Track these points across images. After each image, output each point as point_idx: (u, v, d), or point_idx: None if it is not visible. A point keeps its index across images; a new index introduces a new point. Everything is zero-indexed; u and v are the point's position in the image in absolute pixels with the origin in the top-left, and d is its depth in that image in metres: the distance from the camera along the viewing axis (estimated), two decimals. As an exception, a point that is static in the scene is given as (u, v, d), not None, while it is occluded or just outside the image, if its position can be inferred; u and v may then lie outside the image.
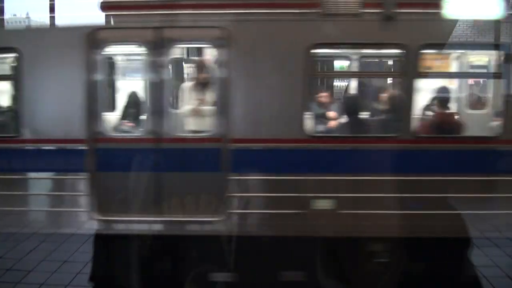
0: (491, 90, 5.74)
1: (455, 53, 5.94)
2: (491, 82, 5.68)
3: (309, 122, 4.64)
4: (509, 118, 4.54)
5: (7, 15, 5.39)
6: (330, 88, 7.78)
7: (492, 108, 5.59)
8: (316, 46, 4.59)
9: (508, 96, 4.56)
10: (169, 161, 4.62)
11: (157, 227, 4.71)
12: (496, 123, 4.75)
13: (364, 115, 5.51)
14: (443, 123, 5.16)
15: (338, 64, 7.42)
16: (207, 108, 5.08)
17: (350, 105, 5.38)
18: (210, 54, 4.75)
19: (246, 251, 4.57)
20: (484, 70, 6.02)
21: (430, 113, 5.55)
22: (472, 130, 5.03)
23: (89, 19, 4.74)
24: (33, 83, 4.66)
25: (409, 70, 4.52)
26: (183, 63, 7.16)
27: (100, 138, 4.66)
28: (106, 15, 4.77)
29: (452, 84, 6.05)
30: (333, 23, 4.52)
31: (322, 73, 6.57)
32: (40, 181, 4.91)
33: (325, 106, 5.87)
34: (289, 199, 4.61)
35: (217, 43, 4.62)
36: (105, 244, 4.85)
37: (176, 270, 4.96)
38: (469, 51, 5.79)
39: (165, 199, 4.63)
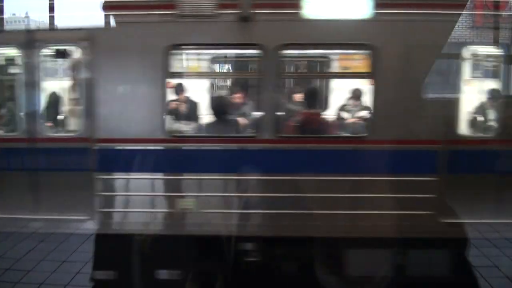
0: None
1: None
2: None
3: (170, 122, 4.78)
4: (377, 119, 4.58)
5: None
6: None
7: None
8: (175, 47, 4.67)
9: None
10: (42, 160, 4.74)
11: (35, 225, 4.96)
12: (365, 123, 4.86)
13: (230, 115, 5.57)
14: (308, 123, 5.17)
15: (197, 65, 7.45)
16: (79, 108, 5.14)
17: (214, 105, 5.44)
18: (78, 55, 4.89)
19: (118, 249, 4.66)
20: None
21: (299, 112, 5.59)
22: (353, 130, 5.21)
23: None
24: None
25: (268, 71, 4.54)
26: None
27: None
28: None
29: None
30: (190, 25, 4.58)
31: (181, 74, 6.46)
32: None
33: (185, 106, 6.04)
34: (155, 198, 4.75)
35: (82, 45, 4.71)
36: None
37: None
38: (334, 51, 5.86)
39: (39, 198, 4.74)
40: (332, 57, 6.56)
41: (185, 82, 6.22)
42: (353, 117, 6.03)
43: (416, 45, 4.44)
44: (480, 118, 5.34)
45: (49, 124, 5.33)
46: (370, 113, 4.69)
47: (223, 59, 7.43)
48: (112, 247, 4.67)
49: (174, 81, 5.72)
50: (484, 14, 5.52)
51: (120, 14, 4.67)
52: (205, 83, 7.02)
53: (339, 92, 6.49)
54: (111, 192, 4.72)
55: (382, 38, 4.47)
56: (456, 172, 4.48)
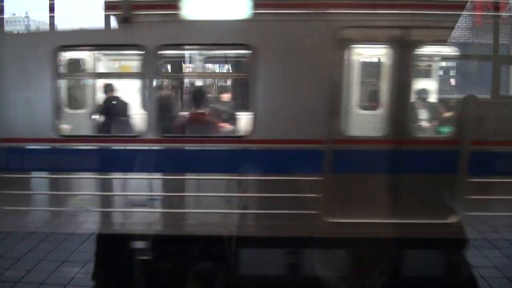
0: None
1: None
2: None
3: (61, 122, 4.87)
4: (259, 118, 4.58)
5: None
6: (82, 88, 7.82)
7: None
8: (63, 48, 4.72)
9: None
10: None
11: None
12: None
13: (118, 115, 5.77)
14: (192, 123, 5.28)
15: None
16: None
17: (102, 106, 5.61)
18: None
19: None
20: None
21: (184, 112, 5.75)
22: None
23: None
24: None
25: (149, 71, 4.65)
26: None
27: None
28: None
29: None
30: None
31: (69, 75, 6.47)
32: None
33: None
34: (50, 197, 4.91)
35: None
36: None
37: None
38: (217, 51, 5.98)
39: None
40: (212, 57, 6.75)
41: (114, 82, 6.36)
42: (230, 117, 6.07)
43: (295, 45, 4.51)
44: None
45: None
46: (250, 112, 4.68)
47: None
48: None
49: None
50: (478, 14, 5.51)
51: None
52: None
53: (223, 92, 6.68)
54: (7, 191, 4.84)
55: (261, 38, 4.53)
56: (341, 172, 4.53)
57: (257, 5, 4.56)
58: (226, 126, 5.77)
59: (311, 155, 4.59)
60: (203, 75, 6.97)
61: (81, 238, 6.05)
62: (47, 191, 4.96)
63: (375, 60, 6.67)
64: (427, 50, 5.56)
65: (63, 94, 6.21)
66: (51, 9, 6.50)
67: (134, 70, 6.41)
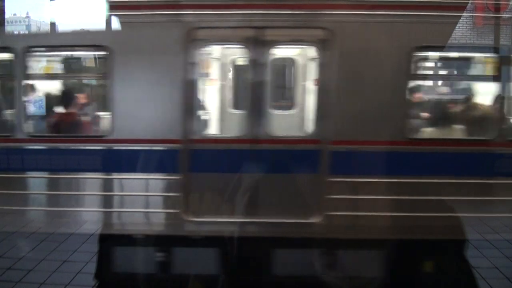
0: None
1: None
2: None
3: None
4: (115, 118, 4.70)
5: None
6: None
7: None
8: None
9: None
10: None
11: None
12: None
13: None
14: (60, 123, 5.35)
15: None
16: None
17: None
18: None
19: None
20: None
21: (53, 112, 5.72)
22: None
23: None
24: None
25: (18, 72, 4.79)
26: None
27: None
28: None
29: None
30: None
31: None
32: None
33: None
34: None
35: None
36: None
37: None
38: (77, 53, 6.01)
39: None
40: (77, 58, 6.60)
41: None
42: (93, 118, 6.04)
43: (149, 46, 4.64)
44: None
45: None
46: (109, 112, 4.77)
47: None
48: None
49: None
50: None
51: None
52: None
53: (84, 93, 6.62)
54: None
55: (116, 40, 4.68)
56: (197, 171, 4.65)
57: (111, 7, 4.73)
58: (88, 126, 5.83)
59: (168, 155, 4.69)
60: (60, 76, 6.62)
61: (82, 238, 6.06)
62: None
63: (230, 60, 6.82)
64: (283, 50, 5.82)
65: None
66: None
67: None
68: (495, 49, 4.73)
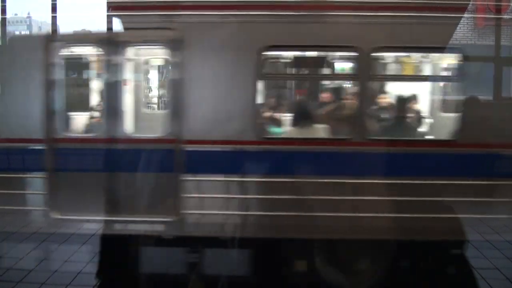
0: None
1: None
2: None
3: None
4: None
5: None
6: None
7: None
8: None
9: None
10: None
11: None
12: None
13: None
14: None
15: None
16: None
17: None
18: None
19: None
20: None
21: None
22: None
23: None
24: None
25: None
26: None
27: None
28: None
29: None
30: None
31: None
32: None
33: None
34: None
35: None
36: None
37: None
38: None
39: None
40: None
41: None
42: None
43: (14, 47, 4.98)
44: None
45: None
46: None
47: None
48: None
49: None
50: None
51: None
52: None
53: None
54: None
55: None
56: (61, 170, 4.77)
57: None
58: None
59: (34, 154, 4.81)
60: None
61: (83, 238, 6.08)
62: None
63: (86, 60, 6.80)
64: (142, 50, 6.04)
65: None
66: None
67: None
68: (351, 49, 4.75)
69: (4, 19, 5.35)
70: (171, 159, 4.66)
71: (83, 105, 6.59)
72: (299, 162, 4.69)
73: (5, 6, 5.32)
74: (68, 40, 5.03)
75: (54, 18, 5.07)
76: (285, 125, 5.70)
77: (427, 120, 6.08)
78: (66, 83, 5.23)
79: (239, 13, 4.67)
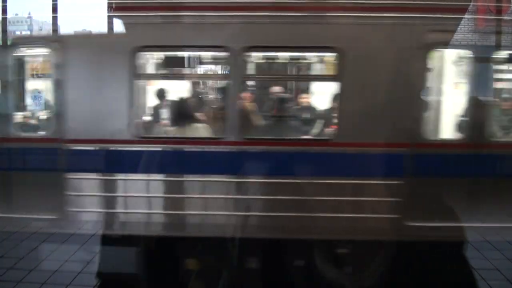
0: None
1: None
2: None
3: None
4: None
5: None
6: None
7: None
8: None
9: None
10: None
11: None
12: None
13: None
14: None
15: None
16: None
17: None
18: None
19: None
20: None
21: None
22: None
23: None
24: None
25: None
26: None
27: None
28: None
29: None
30: None
31: None
32: None
33: None
34: None
35: None
36: None
37: None
38: None
39: None
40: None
41: None
42: None
43: None
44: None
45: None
46: None
47: None
48: None
49: None
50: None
51: None
52: None
53: None
54: None
55: None
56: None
57: None
58: None
59: None
60: None
61: (83, 238, 6.09)
62: None
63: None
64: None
65: None
66: None
67: None
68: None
69: (4, 19, 5.36)
70: (55, 158, 4.75)
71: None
72: (173, 161, 4.81)
73: (5, 6, 5.33)
74: None
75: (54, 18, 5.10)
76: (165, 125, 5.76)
77: (305, 120, 6.01)
78: None
79: (113, 15, 4.79)
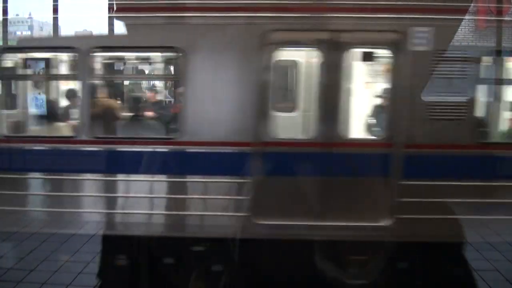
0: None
1: None
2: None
3: None
4: None
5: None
6: None
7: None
8: None
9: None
10: None
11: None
12: None
13: None
14: None
15: None
16: None
17: None
18: None
19: None
20: None
21: None
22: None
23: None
24: None
25: None
26: None
27: None
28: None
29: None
30: None
31: None
32: None
33: None
34: None
35: None
36: None
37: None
38: None
39: None
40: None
41: None
42: None
43: None
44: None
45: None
46: None
47: None
48: None
49: None
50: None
51: None
52: None
53: None
54: None
55: None
56: None
57: None
58: None
59: None
60: None
61: (84, 239, 6.10)
62: None
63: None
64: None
65: None
66: None
67: None
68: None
69: (5, 20, 5.36)
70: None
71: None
72: (32, 159, 4.95)
73: (6, 7, 5.33)
74: None
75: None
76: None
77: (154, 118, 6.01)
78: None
79: None
